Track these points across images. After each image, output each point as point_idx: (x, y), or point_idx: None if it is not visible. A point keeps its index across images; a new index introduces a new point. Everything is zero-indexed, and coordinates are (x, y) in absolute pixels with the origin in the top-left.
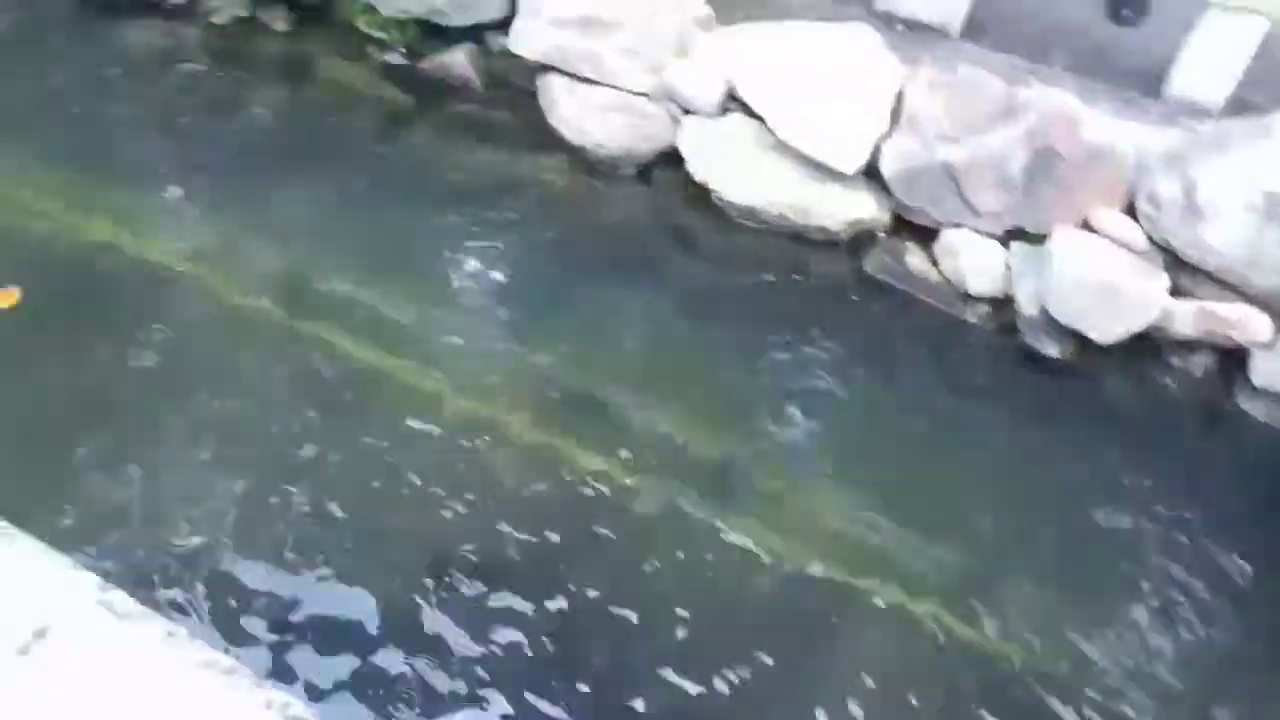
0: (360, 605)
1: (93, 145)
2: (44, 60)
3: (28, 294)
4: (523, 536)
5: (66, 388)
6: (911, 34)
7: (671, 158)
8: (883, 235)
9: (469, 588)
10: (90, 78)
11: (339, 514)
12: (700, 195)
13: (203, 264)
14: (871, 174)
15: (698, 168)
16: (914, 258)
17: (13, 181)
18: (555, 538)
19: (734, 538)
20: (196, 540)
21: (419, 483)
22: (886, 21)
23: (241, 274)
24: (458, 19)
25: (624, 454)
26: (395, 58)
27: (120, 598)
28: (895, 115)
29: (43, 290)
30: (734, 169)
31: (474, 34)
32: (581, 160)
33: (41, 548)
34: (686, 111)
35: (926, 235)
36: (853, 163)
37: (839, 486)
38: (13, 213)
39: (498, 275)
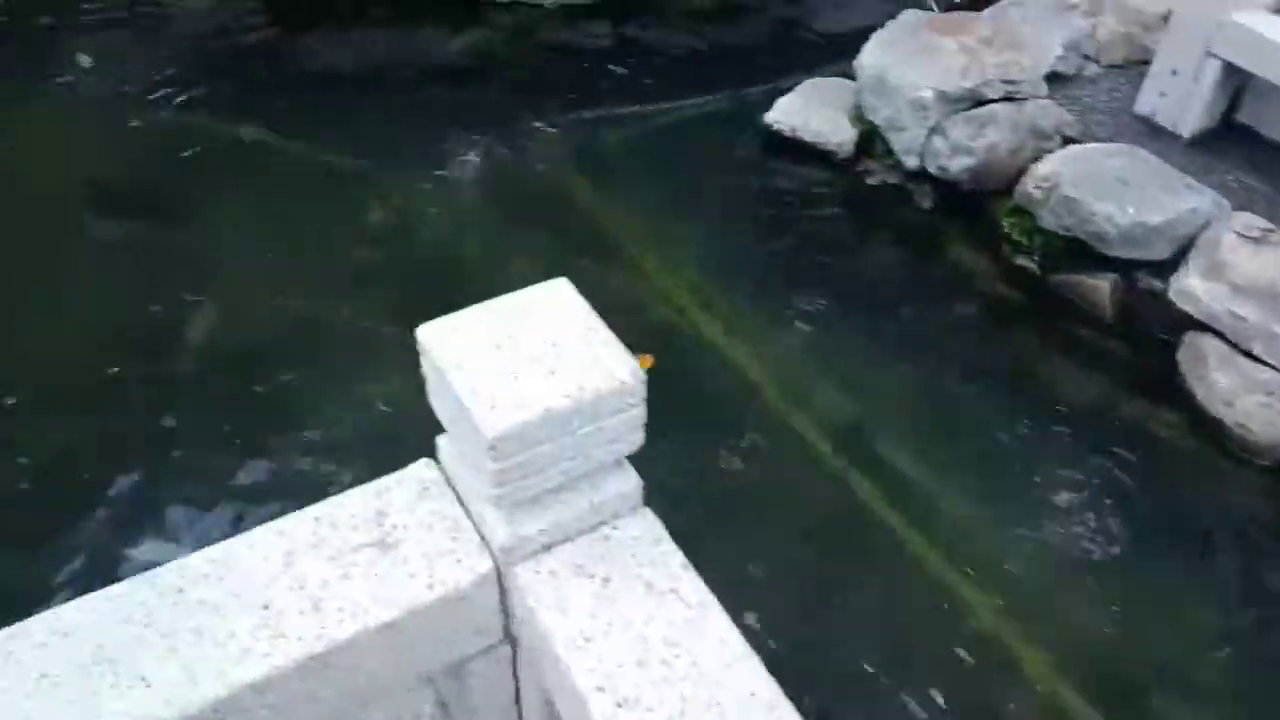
0: None
1: (730, 256)
2: (722, 184)
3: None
4: None
5: (668, 458)
6: None
7: None
8: None
9: None
10: (749, 204)
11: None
12: None
13: (783, 390)
14: None
15: None
16: None
17: (664, 273)
18: None
19: None
20: None
21: (924, 688)
22: None
23: (815, 410)
24: (1117, 251)
25: None
26: (1027, 262)
27: None
28: None
29: (661, 365)
30: None
31: (1123, 266)
32: (1207, 430)
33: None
34: None
35: None
36: None
37: None
38: (656, 297)
39: (1071, 509)
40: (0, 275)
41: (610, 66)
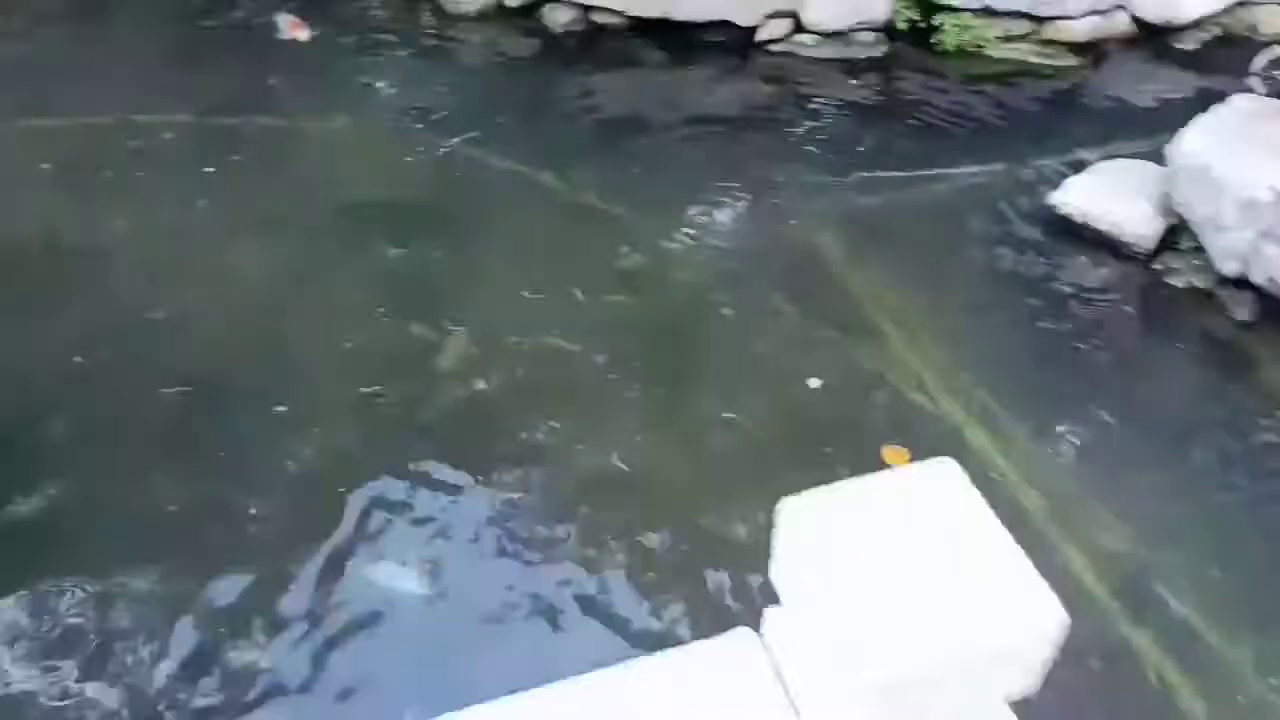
0: None
1: (997, 348)
2: (995, 266)
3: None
4: None
5: None
6: None
7: None
8: None
9: None
10: (1023, 292)
11: None
12: None
13: (1052, 512)
14: None
15: None
16: None
17: (918, 356)
18: None
19: None
20: None
21: None
22: None
23: (1089, 542)
24: None
25: None
26: None
27: None
28: None
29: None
30: None
31: None
32: None
33: None
34: None
35: None
36: None
37: None
38: (908, 382)
39: None
40: (283, 289)
41: (879, 125)
